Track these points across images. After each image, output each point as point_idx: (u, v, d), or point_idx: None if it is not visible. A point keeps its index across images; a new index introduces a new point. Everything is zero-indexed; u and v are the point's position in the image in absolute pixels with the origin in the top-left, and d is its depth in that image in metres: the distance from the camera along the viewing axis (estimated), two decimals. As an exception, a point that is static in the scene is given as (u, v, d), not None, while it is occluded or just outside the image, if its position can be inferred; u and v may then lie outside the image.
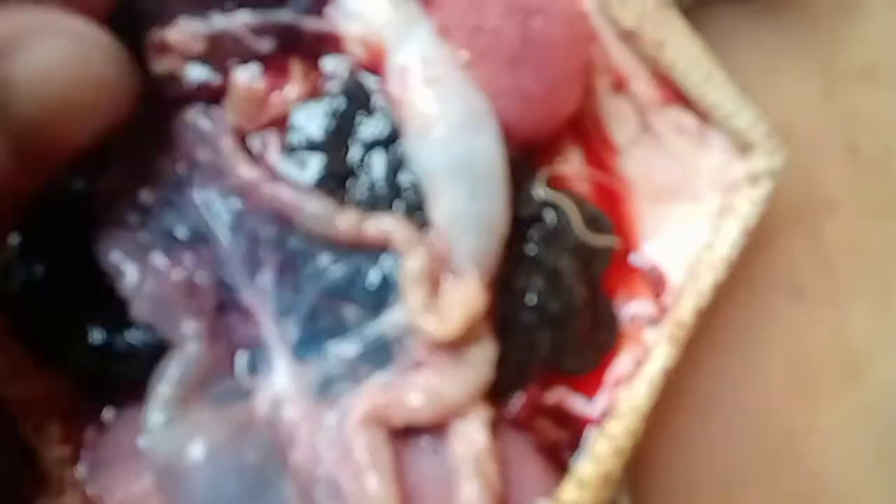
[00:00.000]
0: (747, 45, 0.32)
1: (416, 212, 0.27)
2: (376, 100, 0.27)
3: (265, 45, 0.27)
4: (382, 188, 0.27)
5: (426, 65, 0.27)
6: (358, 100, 0.27)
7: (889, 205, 0.31)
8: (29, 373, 0.28)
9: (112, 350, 0.27)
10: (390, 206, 0.27)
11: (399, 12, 0.28)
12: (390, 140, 0.27)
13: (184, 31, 0.26)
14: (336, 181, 0.27)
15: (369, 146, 0.27)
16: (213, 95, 0.27)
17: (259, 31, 0.27)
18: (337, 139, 0.27)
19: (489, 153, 0.27)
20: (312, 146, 0.27)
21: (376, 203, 0.27)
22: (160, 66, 0.27)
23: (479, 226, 0.27)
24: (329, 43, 0.28)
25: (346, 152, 0.27)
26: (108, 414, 0.29)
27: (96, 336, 0.27)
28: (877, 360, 0.31)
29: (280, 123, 0.28)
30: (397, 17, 0.27)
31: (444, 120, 0.26)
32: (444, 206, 0.26)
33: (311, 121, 0.27)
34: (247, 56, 0.27)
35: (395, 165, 0.27)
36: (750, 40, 0.32)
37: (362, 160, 0.27)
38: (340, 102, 0.27)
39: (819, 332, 0.31)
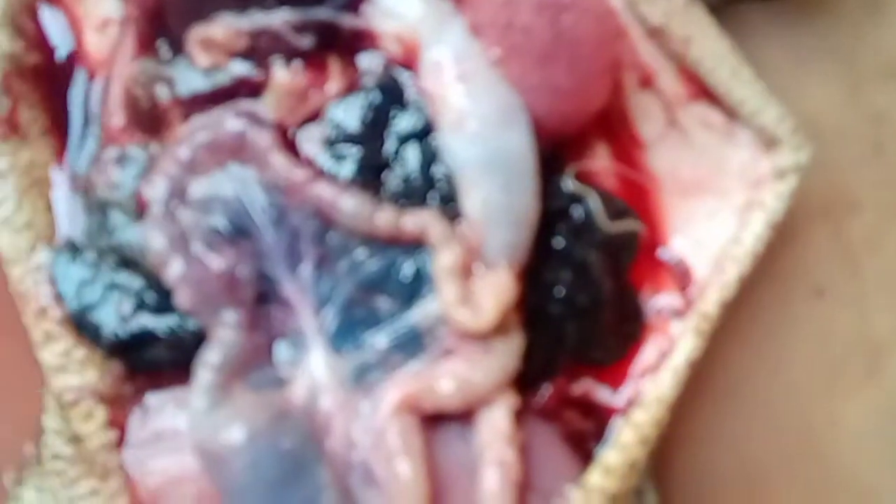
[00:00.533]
0: (774, 43, 0.32)
1: (450, 204, 0.28)
2: (410, 94, 0.28)
3: (305, 41, 0.28)
4: (417, 180, 0.28)
5: (458, 61, 0.28)
6: (392, 94, 0.28)
7: (913, 203, 0.32)
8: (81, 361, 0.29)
9: (154, 336, 0.28)
10: (424, 198, 0.28)
11: (432, 10, 0.28)
12: (424, 133, 0.28)
13: (227, 28, 0.27)
14: (372, 173, 0.28)
15: (404, 139, 0.28)
16: (253, 90, 0.28)
17: (299, 28, 0.28)
18: (373, 132, 0.28)
19: (521, 148, 0.28)
20: (349, 139, 0.28)
21: (411, 195, 0.28)
22: (203, 61, 0.28)
23: (511, 218, 0.28)
24: (365, 39, 0.28)
25: (382, 145, 0.28)
26: (149, 399, 0.30)
27: (139, 322, 0.28)
28: (899, 357, 0.32)
29: (317, 118, 0.29)
30: (431, 15, 0.28)
31: (476, 115, 0.27)
32: (477, 198, 0.27)
33: (348, 115, 0.28)
34: (287, 52, 0.28)
35: (429, 158, 0.28)
36: (776, 39, 0.32)
37: (397, 153, 0.28)
38: (375, 96, 0.28)
39: (841, 329, 0.32)
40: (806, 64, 0.32)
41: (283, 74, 0.28)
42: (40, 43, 0.30)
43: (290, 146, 0.28)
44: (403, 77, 0.28)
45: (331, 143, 0.28)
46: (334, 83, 0.29)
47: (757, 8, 0.32)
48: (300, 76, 0.28)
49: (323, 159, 0.28)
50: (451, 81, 0.28)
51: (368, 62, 0.29)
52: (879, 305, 0.32)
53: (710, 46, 0.29)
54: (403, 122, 0.28)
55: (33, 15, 0.30)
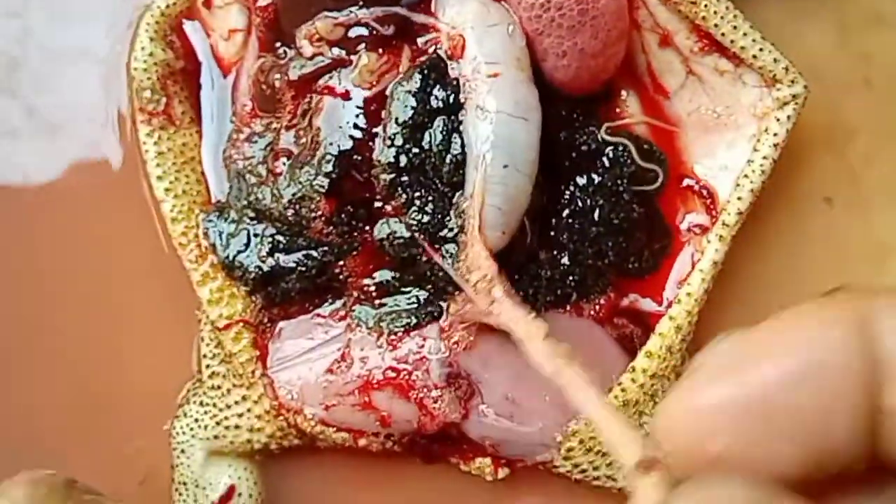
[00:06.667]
0: (772, 4, 0.36)
1: (459, 172, 0.31)
2: (450, 78, 0.32)
3: (386, 31, 0.33)
4: (439, 144, 0.32)
5: (493, 62, 0.31)
6: (437, 74, 0.32)
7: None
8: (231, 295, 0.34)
9: (285, 270, 0.34)
10: (442, 161, 0.31)
11: (483, 14, 0.32)
12: (454, 110, 0.32)
13: (327, 23, 0.33)
14: (416, 133, 0.32)
15: (435, 112, 0.32)
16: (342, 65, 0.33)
17: (381, 20, 0.33)
18: (422, 104, 0.32)
19: (529, 139, 0.31)
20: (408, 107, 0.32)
21: (431, 158, 0.32)
22: (309, 51, 0.34)
23: (506, 193, 0.31)
24: (428, 32, 0.33)
25: (425, 118, 0.32)
26: (283, 324, 0.35)
27: (274, 261, 0.34)
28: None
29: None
30: (481, 19, 0.32)
31: (497, 105, 0.31)
32: (479, 173, 0.31)
33: (404, 97, 0.32)
34: (370, 41, 0.33)
35: (451, 131, 0.32)
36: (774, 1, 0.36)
37: (429, 122, 0.32)
38: (427, 76, 0.32)
39: (848, 232, 0.35)
40: (801, 20, 0.36)
41: (368, 56, 0.33)
42: (186, 51, 0.36)
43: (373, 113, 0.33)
44: (447, 64, 0.32)
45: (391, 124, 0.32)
46: (403, 65, 0.33)
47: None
48: (377, 58, 0.33)
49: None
50: (483, 77, 0.31)
51: (426, 48, 0.33)
52: (880, 208, 0.35)
53: (713, 6, 0.33)
54: (439, 97, 0.32)
55: (179, 29, 0.36)
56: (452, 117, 0.32)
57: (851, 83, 0.36)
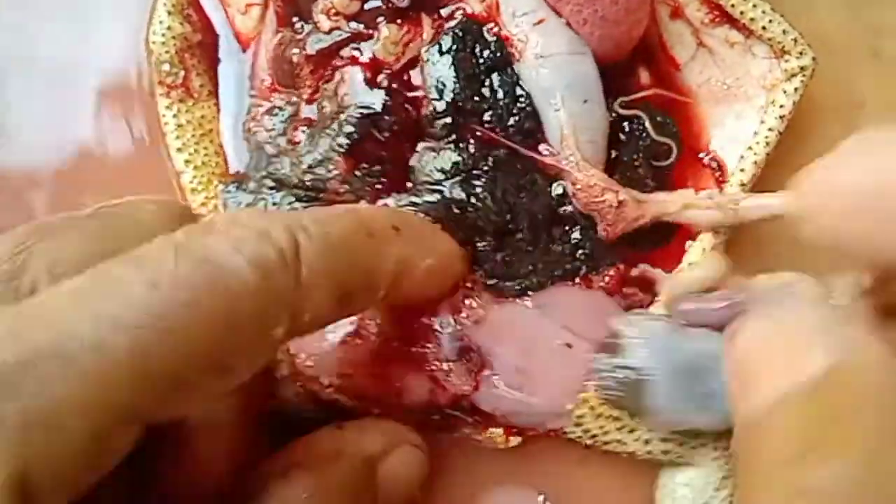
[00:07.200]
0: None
1: (529, 122, 0.32)
2: (488, 36, 0.33)
3: (402, 2, 0.34)
4: (504, 104, 0.32)
5: (533, 12, 0.33)
6: (473, 34, 0.33)
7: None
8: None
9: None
10: (509, 112, 0.32)
11: None
12: (504, 65, 0.33)
13: (344, -3, 0.33)
14: (468, 99, 0.33)
15: (488, 70, 0.33)
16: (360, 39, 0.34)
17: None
18: (463, 66, 0.33)
19: (592, 72, 0.33)
20: (443, 74, 0.33)
21: (500, 117, 0.33)
22: (326, 25, 0.34)
23: (593, 125, 0.33)
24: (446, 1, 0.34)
25: (472, 77, 0.33)
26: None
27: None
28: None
29: (417, 62, 0.34)
30: None
31: (554, 51, 0.32)
32: (564, 115, 0.32)
33: (440, 55, 0.33)
34: (389, 12, 0.34)
35: (512, 86, 0.33)
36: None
37: (483, 82, 0.33)
38: (458, 38, 0.33)
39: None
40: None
41: (388, 28, 0.33)
42: (203, 25, 0.37)
43: (403, 82, 0.33)
44: (481, 26, 0.33)
45: (431, 79, 0.33)
46: (427, 33, 0.34)
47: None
48: (398, 29, 0.33)
49: (426, 90, 0.33)
50: (529, 28, 0.32)
51: (450, 13, 0.33)
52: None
53: None
54: (484, 56, 0.33)
55: (196, 2, 0.36)
56: (508, 71, 0.33)
57: (860, 55, 0.36)
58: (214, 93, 0.37)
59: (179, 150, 0.35)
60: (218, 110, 0.37)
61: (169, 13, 0.35)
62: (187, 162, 0.35)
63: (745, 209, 0.32)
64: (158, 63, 0.36)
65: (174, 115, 0.36)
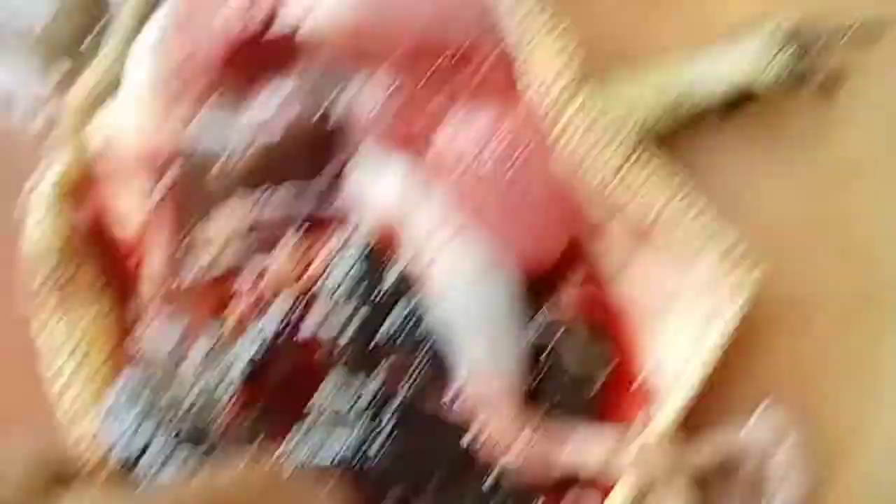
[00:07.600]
0: (733, 158, 0.33)
1: (439, 354, 0.30)
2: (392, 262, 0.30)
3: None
4: (409, 335, 0.30)
5: (434, 233, 0.30)
6: (374, 263, 0.30)
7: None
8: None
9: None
10: (416, 349, 0.30)
11: (409, 190, 0.31)
12: (410, 293, 0.30)
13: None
14: (368, 330, 0.30)
15: (392, 297, 0.30)
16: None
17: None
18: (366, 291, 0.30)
19: (505, 296, 0.30)
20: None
21: (404, 346, 0.30)
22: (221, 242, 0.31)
23: (508, 356, 0.30)
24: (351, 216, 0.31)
25: (375, 301, 0.30)
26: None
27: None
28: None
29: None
30: (408, 194, 0.31)
31: (460, 277, 0.30)
32: (477, 349, 0.29)
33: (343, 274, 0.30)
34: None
35: (418, 316, 0.30)
36: (734, 154, 0.33)
37: (389, 310, 0.30)
38: (363, 264, 0.30)
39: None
40: (768, 174, 0.33)
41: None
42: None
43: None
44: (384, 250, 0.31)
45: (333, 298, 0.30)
46: (334, 244, 0.31)
47: (712, 130, 0.33)
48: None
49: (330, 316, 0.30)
50: (432, 252, 0.30)
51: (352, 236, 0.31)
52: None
53: (653, 195, 0.30)
54: (389, 283, 0.30)
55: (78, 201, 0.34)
56: (411, 298, 0.30)
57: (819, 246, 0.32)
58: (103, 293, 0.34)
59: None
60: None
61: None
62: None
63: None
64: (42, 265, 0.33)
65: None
